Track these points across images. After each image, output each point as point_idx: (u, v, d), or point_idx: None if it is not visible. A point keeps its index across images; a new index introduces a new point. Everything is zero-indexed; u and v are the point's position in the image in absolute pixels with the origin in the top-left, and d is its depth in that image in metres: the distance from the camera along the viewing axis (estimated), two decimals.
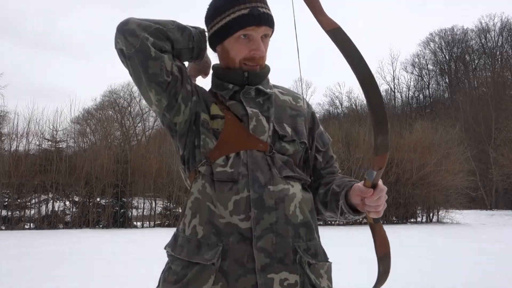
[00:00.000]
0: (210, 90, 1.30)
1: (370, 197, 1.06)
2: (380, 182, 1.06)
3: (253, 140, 1.16)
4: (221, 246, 1.09)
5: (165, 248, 1.21)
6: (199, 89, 1.26)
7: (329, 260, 1.21)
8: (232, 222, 1.10)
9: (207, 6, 1.27)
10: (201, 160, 1.17)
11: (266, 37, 1.22)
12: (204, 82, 1.35)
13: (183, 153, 1.23)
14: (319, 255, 1.18)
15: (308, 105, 1.34)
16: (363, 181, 1.09)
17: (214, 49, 1.29)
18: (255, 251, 1.08)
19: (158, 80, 1.12)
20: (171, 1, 61.47)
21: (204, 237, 1.11)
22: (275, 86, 1.33)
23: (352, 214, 1.17)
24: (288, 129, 1.22)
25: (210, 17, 1.24)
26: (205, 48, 1.24)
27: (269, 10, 1.22)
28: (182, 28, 1.17)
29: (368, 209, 1.09)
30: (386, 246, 1.12)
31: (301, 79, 1.36)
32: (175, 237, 1.19)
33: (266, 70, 1.27)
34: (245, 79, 1.22)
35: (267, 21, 1.19)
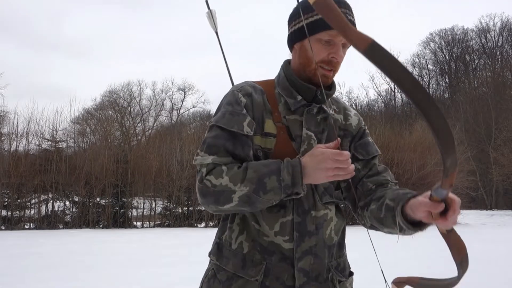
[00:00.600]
0: (270, 89, 1.25)
1: (450, 216, 0.96)
2: (451, 195, 0.96)
3: None
4: (265, 264, 1.16)
5: (209, 255, 1.26)
6: (254, 109, 1.19)
7: (351, 270, 1.32)
8: (276, 242, 1.17)
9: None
10: None
11: (344, 47, 1.21)
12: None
13: None
14: (346, 269, 1.29)
15: (360, 120, 1.35)
16: (427, 195, 0.99)
17: (291, 46, 1.27)
18: (296, 271, 1.16)
19: None
20: (175, 2, 61.47)
21: (249, 253, 1.18)
22: (331, 101, 1.33)
23: (413, 230, 1.08)
24: None
25: (297, 13, 1.22)
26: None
27: (354, 20, 1.22)
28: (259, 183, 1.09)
29: (440, 227, 1.02)
30: (463, 249, 1.09)
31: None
32: (218, 246, 1.24)
33: (333, 90, 1.28)
34: (316, 98, 1.23)
35: None
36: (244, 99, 1.19)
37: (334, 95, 1.33)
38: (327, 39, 1.17)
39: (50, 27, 58.90)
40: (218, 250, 1.23)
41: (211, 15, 1.46)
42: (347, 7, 1.20)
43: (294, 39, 1.24)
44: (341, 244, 1.28)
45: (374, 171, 1.29)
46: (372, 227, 1.23)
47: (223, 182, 1.08)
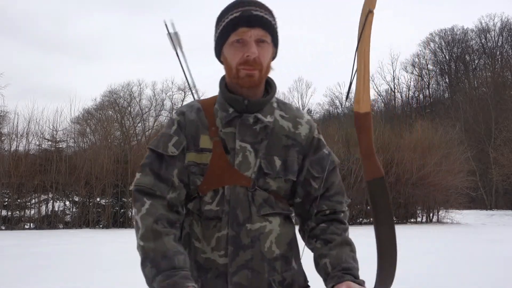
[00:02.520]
0: (211, 105, 1.25)
1: None
2: None
3: (237, 175, 1.16)
4: (200, 282, 1.15)
5: None
6: (181, 122, 1.22)
7: (307, 284, 1.26)
8: (212, 258, 1.16)
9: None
10: (191, 196, 1.20)
11: (263, 42, 1.17)
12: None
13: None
14: (296, 283, 1.21)
15: (311, 129, 1.27)
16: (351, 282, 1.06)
17: (220, 61, 1.26)
18: (229, 287, 1.13)
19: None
20: (177, 4, 61.48)
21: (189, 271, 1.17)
22: (280, 107, 1.27)
23: None
24: (278, 163, 1.19)
25: (215, 26, 1.23)
26: None
27: (267, 14, 1.18)
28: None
29: None
30: None
31: None
32: None
33: (269, 97, 1.23)
34: (245, 107, 1.19)
35: (260, 23, 1.15)
36: (178, 119, 1.22)
37: (287, 102, 1.30)
38: (236, 39, 1.15)
39: (51, 28, 58.93)
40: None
41: (171, 38, 1.45)
42: (254, 4, 1.17)
43: (217, 52, 1.24)
44: (287, 258, 1.20)
45: (331, 192, 1.24)
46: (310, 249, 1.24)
47: (138, 218, 1.13)
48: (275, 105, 1.25)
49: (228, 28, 1.16)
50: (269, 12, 1.19)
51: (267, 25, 1.17)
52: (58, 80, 58.63)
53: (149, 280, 1.09)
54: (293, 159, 1.21)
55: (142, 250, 1.10)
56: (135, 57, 60.23)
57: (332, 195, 1.24)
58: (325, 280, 1.14)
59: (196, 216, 1.18)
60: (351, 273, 1.10)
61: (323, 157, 1.25)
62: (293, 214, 1.27)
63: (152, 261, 1.08)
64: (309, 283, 1.27)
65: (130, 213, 16.42)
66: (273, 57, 1.23)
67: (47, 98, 48.05)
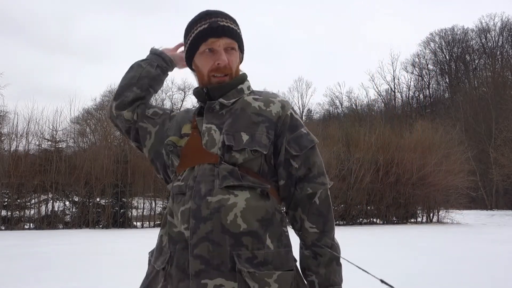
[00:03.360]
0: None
1: None
2: None
3: (205, 154, 1.23)
4: (169, 253, 1.20)
5: (148, 253, 1.35)
6: (176, 116, 1.41)
7: (291, 268, 1.20)
8: (181, 231, 1.20)
9: None
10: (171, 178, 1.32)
11: (232, 49, 1.29)
12: None
13: (162, 174, 1.40)
14: (269, 264, 1.16)
15: (284, 107, 1.29)
16: None
17: (192, 69, 1.38)
18: (190, 258, 1.15)
19: (124, 131, 1.44)
20: (180, 5, 61.48)
21: (165, 245, 1.24)
22: (253, 93, 1.34)
23: None
24: (245, 138, 1.21)
25: (183, 38, 1.37)
26: (167, 59, 1.48)
27: (232, 24, 1.30)
28: (129, 70, 1.47)
29: None
30: None
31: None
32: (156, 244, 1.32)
33: (233, 82, 1.31)
34: (205, 95, 1.30)
35: (227, 32, 1.27)
36: (174, 113, 1.43)
37: (261, 90, 1.40)
38: (207, 48, 1.28)
39: (52, 28, 58.88)
40: (155, 248, 1.31)
41: None
42: (220, 15, 1.30)
43: (189, 61, 1.36)
44: (256, 234, 1.16)
45: (314, 173, 1.25)
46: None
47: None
48: (246, 92, 1.33)
49: (197, 39, 1.28)
50: (234, 21, 1.32)
51: (233, 34, 1.29)
52: (58, 80, 58.61)
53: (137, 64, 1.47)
54: (261, 134, 1.23)
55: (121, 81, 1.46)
56: (135, 56, 60.20)
57: (316, 176, 1.26)
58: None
59: (172, 194, 1.26)
60: None
61: (301, 135, 1.27)
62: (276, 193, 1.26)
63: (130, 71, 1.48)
64: (294, 269, 1.21)
65: (130, 213, 16.42)
66: (240, 61, 1.36)
67: (47, 98, 48.04)
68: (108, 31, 60.73)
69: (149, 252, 1.34)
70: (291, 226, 1.27)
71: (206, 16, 1.29)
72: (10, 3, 47.46)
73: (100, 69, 59.24)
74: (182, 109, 1.47)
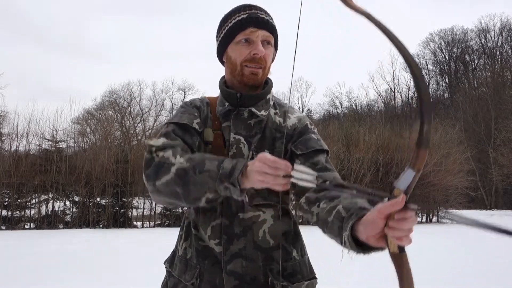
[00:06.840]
0: (216, 101, 1.32)
1: (402, 218, 0.80)
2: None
3: None
4: (198, 268, 1.19)
5: (164, 263, 1.31)
6: (201, 117, 1.27)
7: (314, 276, 1.26)
8: (210, 246, 1.20)
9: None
10: None
11: (268, 44, 1.24)
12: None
13: None
14: (298, 274, 1.22)
15: (300, 119, 1.30)
16: (381, 204, 0.83)
17: (221, 60, 1.32)
18: (224, 274, 1.16)
19: None
20: (184, 7, 61.51)
21: (191, 258, 1.23)
22: (275, 106, 1.31)
23: (356, 250, 0.93)
24: None
25: (217, 29, 1.29)
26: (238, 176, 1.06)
27: (270, 18, 1.26)
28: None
29: (396, 234, 0.81)
30: (412, 283, 0.88)
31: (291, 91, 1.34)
32: (173, 254, 1.30)
33: (264, 92, 1.27)
34: (238, 100, 1.25)
35: (266, 25, 1.23)
36: (198, 104, 1.30)
37: (282, 101, 1.34)
38: (243, 38, 1.22)
39: (52, 29, 58.92)
40: (172, 258, 1.29)
41: None
42: (259, 9, 1.25)
43: (220, 52, 1.29)
44: (285, 248, 1.22)
45: (322, 166, 1.18)
46: (316, 224, 1.10)
47: (166, 154, 1.12)
48: (271, 102, 1.30)
49: (235, 28, 1.23)
50: (271, 18, 1.27)
51: (272, 28, 1.25)
52: (58, 80, 58.63)
53: (214, 172, 1.03)
54: (279, 150, 1.24)
55: (187, 163, 1.07)
56: (135, 57, 60.25)
57: (324, 169, 1.18)
58: (339, 229, 0.96)
59: (196, 207, 1.22)
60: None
61: (309, 138, 1.25)
62: (291, 208, 1.29)
63: (203, 161, 1.07)
64: (316, 276, 1.28)
65: (130, 213, 16.43)
66: (272, 59, 1.30)
67: (47, 98, 48.02)
68: (106, 32, 60.73)
69: (165, 262, 1.32)
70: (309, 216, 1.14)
71: (245, 7, 1.25)
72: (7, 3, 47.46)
73: (100, 69, 59.21)
74: (183, 103, 1.35)
